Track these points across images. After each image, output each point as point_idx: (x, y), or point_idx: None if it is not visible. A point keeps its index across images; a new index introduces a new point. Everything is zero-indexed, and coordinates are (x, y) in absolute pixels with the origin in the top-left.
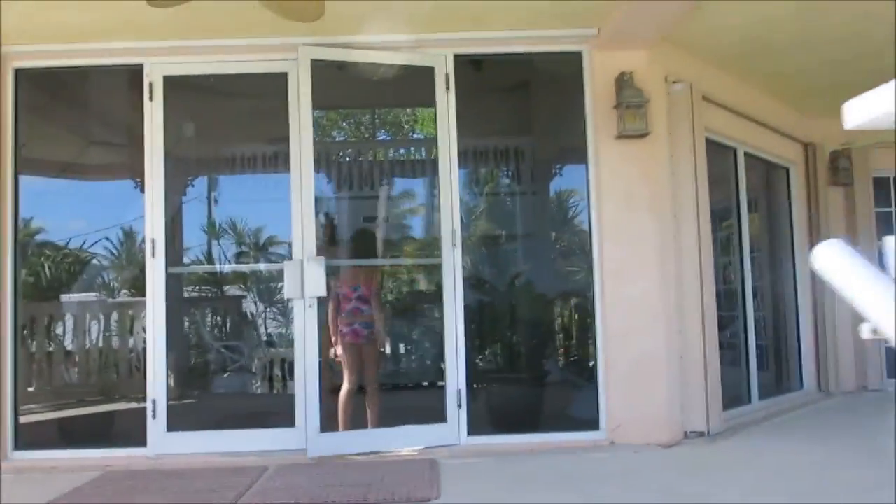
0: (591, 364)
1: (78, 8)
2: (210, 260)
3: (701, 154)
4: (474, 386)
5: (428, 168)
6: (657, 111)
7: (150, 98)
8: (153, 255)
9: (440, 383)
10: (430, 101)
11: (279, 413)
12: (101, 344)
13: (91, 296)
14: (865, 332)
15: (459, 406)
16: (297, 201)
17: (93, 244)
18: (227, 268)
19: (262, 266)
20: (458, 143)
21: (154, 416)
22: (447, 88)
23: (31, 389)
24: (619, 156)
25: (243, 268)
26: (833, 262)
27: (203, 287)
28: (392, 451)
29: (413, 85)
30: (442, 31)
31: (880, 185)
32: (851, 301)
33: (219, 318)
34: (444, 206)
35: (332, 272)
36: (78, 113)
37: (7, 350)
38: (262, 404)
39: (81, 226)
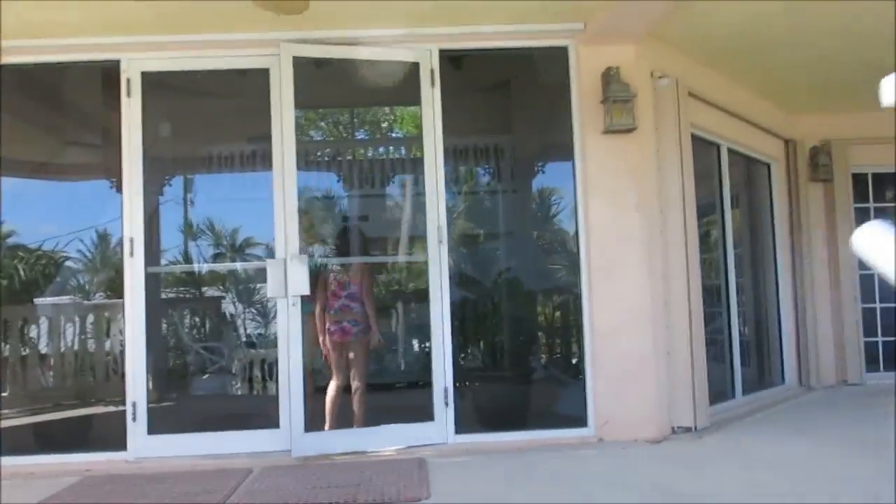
0: (578, 361)
1: (51, 3)
2: (189, 260)
3: (687, 149)
4: (461, 384)
5: (409, 166)
6: (644, 106)
7: (128, 94)
8: (131, 254)
9: (426, 382)
10: (415, 98)
11: (262, 414)
12: (77, 347)
13: (66, 298)
14: None
15: (447, 404)
16: (279, 199)
17: (66, 244)
18: (208, 267)
19: (244, 265)
20: (443, 140)
21: (134, 419)
22: (432, 84)
23: (5, 394)
24: (605, 151)
25: (224, 267)
26: (875, 241)
27: (181, 288)
28: (379, 450)
29: (397, 82)
30: (427, 25)
31: (859, 181)
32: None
33: (198, 319)
34: (430, 203)
35: (319, 269)
36: (51, 111)
37: None
38: (245, 405)
39: (55, 227)
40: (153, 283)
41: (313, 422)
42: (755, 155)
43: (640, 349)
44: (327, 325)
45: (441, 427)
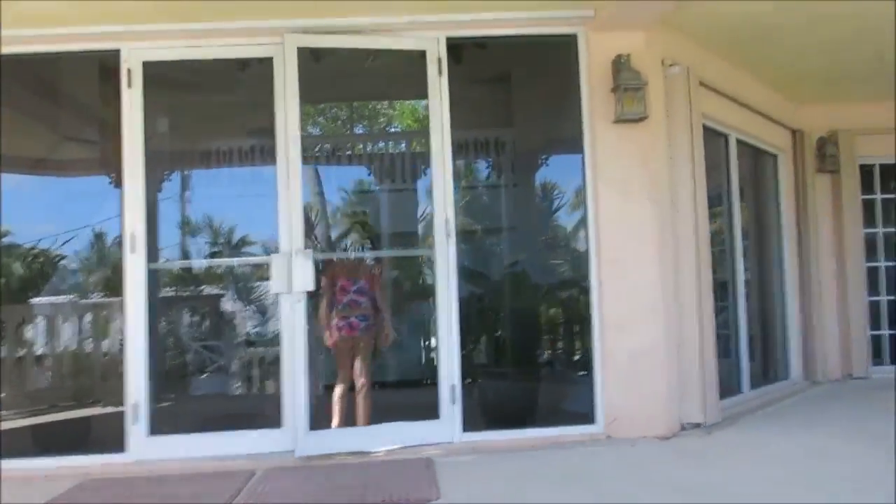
0: (586, 356)
1: None
2: (188, 257)
3: (698, 139)
4: (468, 381)
5: (417, 159)
6: (654, 95)
7: (129, 85)
8: (132, 250)
9: (432, 379)
10: (422, 89)
11: (264, 413)
12: (75, 347)
13: (63, 297)
14: None
15: (454, 402)
16: (283, 192)
17: (64, 243)
18: (211, 262)
19: (248, 260)
20: (451, 130)
21: (135, 421)
22: (440, 73)
23: (2, 395)
24: (616, 140)
25: (227, 262)
26: None
27: (181, 285)
28: (384, 449)
29: (403, 71)
30: (433, 12)
31: (866, 172)
32: None
33: (198, 317)
34: (437, 196)
35: (325, 264)
36: (48, 103)
37: None
38: (246, 405)
39: (52, 224)
40: (152, 280)
41: (317, 420)
42: (762, 146)
43: (650, 343)
44: (334, 320)
45: (448, 425)
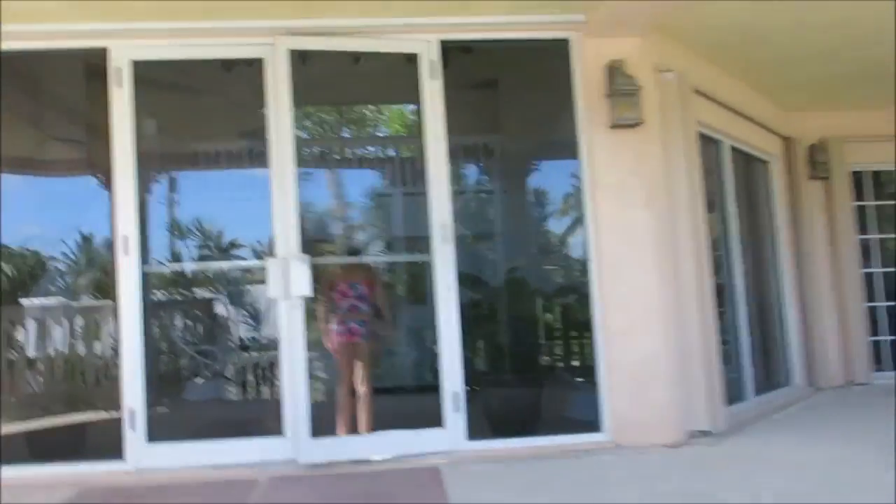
0: (590, 363)
1: None
2: (179, 259)
3: (693, 144)
4: (471, 388)
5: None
6: (649, 101)
7: (118, 84)
8: (126, 252)
9: (435, 386)
10: (414, 92)
11: (265, 420)
12: (68, 351)
13: (53, 299)
14: None
15: (457, 410)
16: (278, 196)
17: (52, 244)
18: (207, 266)
19: (245, 264)
20: (445, 133)
21: (133, 427)
22: (432, 77)
23: None
24: (611, 146)
25: (223, 265)
26: None
27: (176, 289)
28: (387, 457)
29: (396, 74)
30: (427, 14)
31: (857, 179)
32: None
33: (195, 322)
34: (434, 201)
35: (324, 269)
36: (33, 102)
37: None
38: (247, 411)
39: (40, 225)
40: (145, 283)
41: (319, 427)
42: (755, 153)
43: (653, 349)
44: (334, 325)
45: (452, 433)
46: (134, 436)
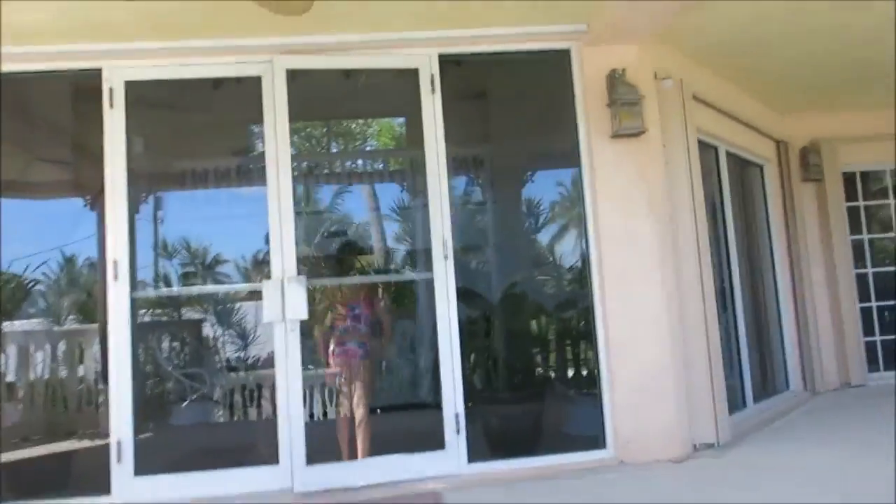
0: (593, 377)
1: (23, 4)
2: (175, 282)
3: (694, 151)
4: (471, 407)
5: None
6: (649, 109)
7: (111, 105)
8: (116, 278)
9: (435, 407)
10: (415, 106)
11: (259, 448)
12: (49, 377)
13: (36, 322)
14: None
15: (458, 432)
16: (274, 216)
17: (37, 268)
18: (202, 290)
19: (239, 287)
20: (446, 148)
21: (119, 460)
22: (433, 91)
23: None
24: (614, 156)
25: (217, 289)
26: None
27: (164, 312)
28: (387, 482)
29: (395, 89)
30: (426, 28)
31: (849, 180)
32: None
33: (180, 345)
34: (434, 216)
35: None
36: (24, 124)
37: None
38: (239, 436)
39: (28, 246)
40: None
41: (315, 453)
42: (749, 156)
43: (657, 362)
44: (331, 346)
45: (453, 456)
46: (121, 469)
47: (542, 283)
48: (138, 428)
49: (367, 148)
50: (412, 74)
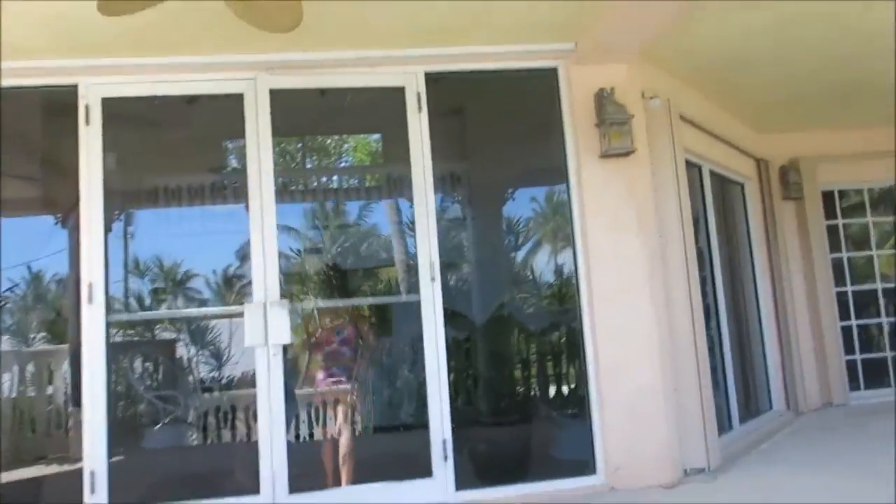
0: (582, 401)
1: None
2: (147, 300)
3: (682, 170)
4: (459, 432)
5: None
6: (638, 128)
7: (87, 123)
8: (90, 301)
9: (422, 433)
10: (401, 125)
11: (237, 475)
12: (17, 398)
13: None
14: None
15: (445, 458)
16: (257, 238)
17: (9, 289)
18: (179, 314)
19: (220, 310)
20: (432, 166)
21: (93, 491)
22: (419, 109)
23: None
24: (603, 174)
25: (197, 311)
26: None
27: (136, 332)
28: None
29: (381, 108)
30: (412, 46)
31: (828, 199)
32: None
33: (153, 365)
34: (421, 237)
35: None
36: None
37: None
38: (216, 464)
39: None
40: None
41: (300, 478)
42: (731, 175)
43: (648, 383)
44: (317, 372)
45: (440, 484)
46: (94, 499)
47: (525, 302)
48: (118, 458)
49: (342, 164)
50: (398, 92)
